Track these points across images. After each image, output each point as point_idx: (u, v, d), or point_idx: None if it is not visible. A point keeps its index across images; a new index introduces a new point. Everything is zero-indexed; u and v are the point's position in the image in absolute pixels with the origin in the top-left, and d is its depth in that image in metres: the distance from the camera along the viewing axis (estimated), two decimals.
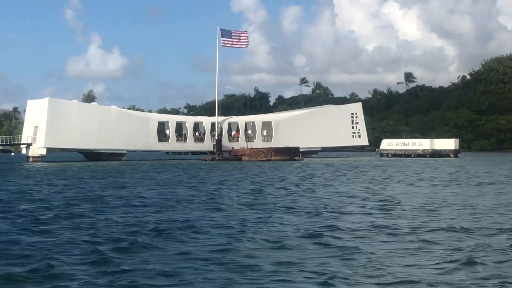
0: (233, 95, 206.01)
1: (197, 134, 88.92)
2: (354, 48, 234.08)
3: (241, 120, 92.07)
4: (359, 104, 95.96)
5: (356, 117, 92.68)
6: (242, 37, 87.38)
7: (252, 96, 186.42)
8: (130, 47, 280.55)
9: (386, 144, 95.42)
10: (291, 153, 78.83)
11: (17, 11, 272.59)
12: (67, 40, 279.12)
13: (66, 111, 79.36)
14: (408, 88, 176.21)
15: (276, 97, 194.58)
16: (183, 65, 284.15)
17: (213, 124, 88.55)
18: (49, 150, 78.77)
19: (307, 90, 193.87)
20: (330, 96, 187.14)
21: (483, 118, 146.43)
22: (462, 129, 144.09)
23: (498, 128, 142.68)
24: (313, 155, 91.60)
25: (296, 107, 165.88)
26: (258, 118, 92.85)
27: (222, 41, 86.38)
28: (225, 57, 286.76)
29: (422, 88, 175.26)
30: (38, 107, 79.62)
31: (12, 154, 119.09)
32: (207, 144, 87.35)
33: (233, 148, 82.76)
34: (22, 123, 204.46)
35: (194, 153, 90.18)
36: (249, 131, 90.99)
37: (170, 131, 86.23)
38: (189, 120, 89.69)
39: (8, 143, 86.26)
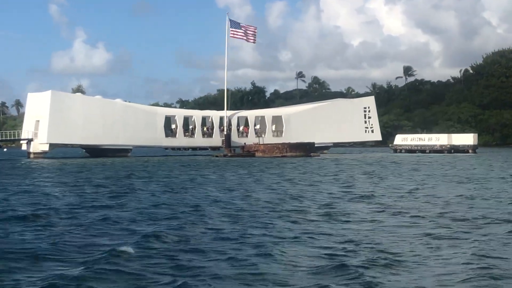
0: (227, 89, 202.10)
1: (205, 129, 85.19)
2: (340, 44, 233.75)
3: (250, 114, 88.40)
4: (372, 98, 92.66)
5: (369, 111, 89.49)
6: (250, 32, 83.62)
7: (249, 90, 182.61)
8: (115, 42, 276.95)
9: (401, 139, 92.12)
10: (306, 149, 75.46)
11: (1, 7, 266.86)
12: (51, 35, 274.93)
13: (69, 105, 75.35)
14: (406, 82, 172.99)
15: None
16: (169, 61, 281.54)
17: (221, 119, 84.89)
18: (52, 146, 74.78)
19: (292, 85, 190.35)
20: (326, 90, 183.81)
21: (486, 112, 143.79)
22: (466, 124, 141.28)
23: (502, 123, 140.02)
24: (325, 151, 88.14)
25: (292, 102, 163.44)
26: (268, 112, 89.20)
27: (231, 32, 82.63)
28: (211, 52, 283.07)
29: (421, 82, 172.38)
30: (39, 101, 75.45)
31: (5, 149, 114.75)
32: (216, 140, 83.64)
33: (245, 143, 79.12)
34: (10, 118, 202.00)
35: (202, 149, 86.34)
36: (258, 126, 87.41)
37: (178, 126, 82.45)
38: (197, 114, 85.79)
39: (6, 138, 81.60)
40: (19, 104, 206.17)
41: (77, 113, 74.89)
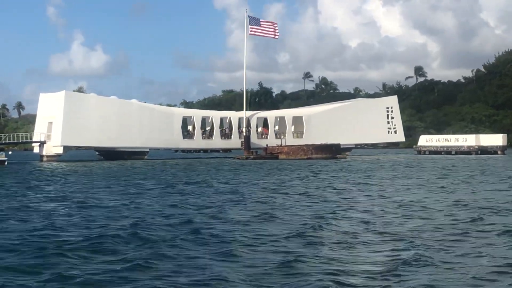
0: (232, 90, 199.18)
1: (223, 130, 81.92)
2: (338, 45, 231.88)
3: (270, 115, 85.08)
4: (395, 98, 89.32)
5: (392, 111, 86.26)
6: (271, 28, 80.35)
7: (256, 91, 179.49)
8: (113, 44, 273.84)
9: (425, 140, 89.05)
10: (332, 151, 72.37)
11: None
12: (49, 38, 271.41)
13: (84, 106, 72.08)
14: (416, 82, 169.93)
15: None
16: (166, 62, 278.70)
17: (239, 119, 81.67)
18: (66, 148, 71.50)
19: (290, 87, 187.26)
20: (334, 91, 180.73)
21: (500, 113, 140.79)
22: (480, 125, 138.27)
23: None
24: (347, 153, 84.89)
25: (300, 103, 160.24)
26: (289, 113, 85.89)
27: (251, 29, 79.41)
28: (207, 53, 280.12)
29: (431, 82, 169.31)
30: (52, 102, 72.21)
31: (10, 152, 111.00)
32: (234, 141, 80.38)
33: (267, 145, 75.87)
34: (11, 120, 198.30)
35: (220, 151, 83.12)
36: (276, 127, 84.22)
37: (196, 127, 79.20)
38: (215, 115, 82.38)
39: (17, 141, 78.03)
40: (20, 106, 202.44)
41: (91, 114, 71.62)
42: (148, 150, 76.60)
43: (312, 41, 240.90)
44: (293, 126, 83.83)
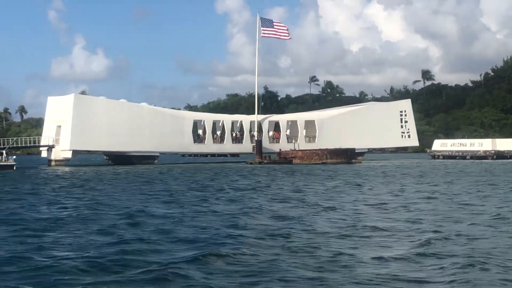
0: (236, 94, 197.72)
1: (234, 134, 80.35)
2: (339, 49, 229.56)
3: (282, 118, 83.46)
4: (409, 101, 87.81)
5: (405, 115, 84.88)
6: (283, 29, 78.84)
7: (261, 95, 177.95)
8: (114, 48, 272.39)
9: (439, 144, 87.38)
10: (348, 155, 70.73)
11: None
12: (50, 41, 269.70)
13: (93, 109, 70.38)
14: (423, 86, 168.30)
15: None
16: (167, 67, 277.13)
17: (251, 123, 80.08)
18: (75, 152, 69.83)
19: (290, 91, 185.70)
20: (340, 95, 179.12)
21: (510, 117, 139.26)
22: (490, 129, 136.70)
23: None
24: (359, 157, 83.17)
25: (305, 107, 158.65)
26: (301, 117, 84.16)
27: (263, 31, 77.86)
28: (208, 58, 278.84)
29: (438, 86, 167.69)
30: (61, 105, 70.57)
31: (14, 157, 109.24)
32: (246, 146, 78.84)
33: (280, 149, 74.18)
34: (14, 124, 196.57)
35: (231, 155, 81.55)
36: (288, 131, 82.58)
37: (206, 131, 77.57)
38: (226, 119, 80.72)
39: (25, 145, 76.35)
40: (23, 110, 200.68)
41: (101, 117, 69.99)
42: (158, 154, 74.96)
43: (313, 46, 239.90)
44: (304, 130, 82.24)
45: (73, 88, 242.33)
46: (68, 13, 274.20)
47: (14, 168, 60.33)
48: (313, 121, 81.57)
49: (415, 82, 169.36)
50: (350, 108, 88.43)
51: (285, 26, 79.08)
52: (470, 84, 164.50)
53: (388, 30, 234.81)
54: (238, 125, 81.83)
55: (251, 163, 70.71)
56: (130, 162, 72.02)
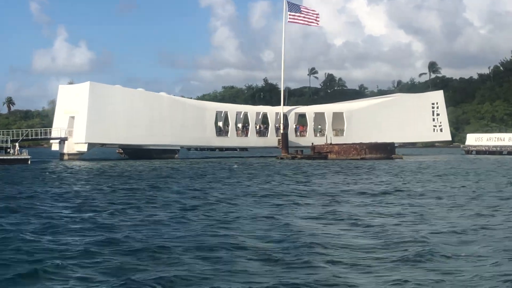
0: (233, 87, 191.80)
1: (258, 127, 74.73)
2: (322, 44, 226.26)
3: (309, 110, 77.76)
4: (441, 93, 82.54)
5: (437, 107, 79.78)
6: (312, 15, 73.30)
7: (261, 87, 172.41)
8: (97, 41, 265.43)
9: (474, 139, 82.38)
10: (387, 150, 65.49)
11: None
12: (32, 34, 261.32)
13: (110, 99, 64.19)
14: (429, 79, 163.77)
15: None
16: (150, 60, 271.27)
17: (276, 115, 74.50)
18: (90, 145, 63.70)
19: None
20: (342, 88, 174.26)
21: None
22: (501, 123, 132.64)
23: None
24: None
25: (305, 99, 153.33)
26: (328, 108, 78.50)
27: (290, 16, 72.26)
28: (192, 51, 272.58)
29: (443, 79, 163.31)
30: (74, 94, 64.35)
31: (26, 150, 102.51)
32: (271, 139, 73.36)
33: (312, 143, 68.51)
34: (2, 116, 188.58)
35: (240, 149, 76.24)
36: (313, 123, 77.00)
37: (230, 123, 71.84)
38: (250, 111, 74.96)
39: (36, 137, 69.79)
40: (10, 102, 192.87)
41: (118, 108, 63.91)
42: (179, 148, 69.14)
43: (297, 40, 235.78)
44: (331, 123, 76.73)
45: (54, 81, 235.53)
46: (50, 5, 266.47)
47: (29, 162, 54.20)
48: (341, 113, 76.12)
49: (421, 74, 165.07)
50: (379, 99, 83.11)
51: (315, 11, 73.68)
52: (476, 77, 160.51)
53: (371, 25, 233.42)
54: (260, 117, 76.33)
55: (281, 158, 65.25)
56: (148, 156, 66.14)
